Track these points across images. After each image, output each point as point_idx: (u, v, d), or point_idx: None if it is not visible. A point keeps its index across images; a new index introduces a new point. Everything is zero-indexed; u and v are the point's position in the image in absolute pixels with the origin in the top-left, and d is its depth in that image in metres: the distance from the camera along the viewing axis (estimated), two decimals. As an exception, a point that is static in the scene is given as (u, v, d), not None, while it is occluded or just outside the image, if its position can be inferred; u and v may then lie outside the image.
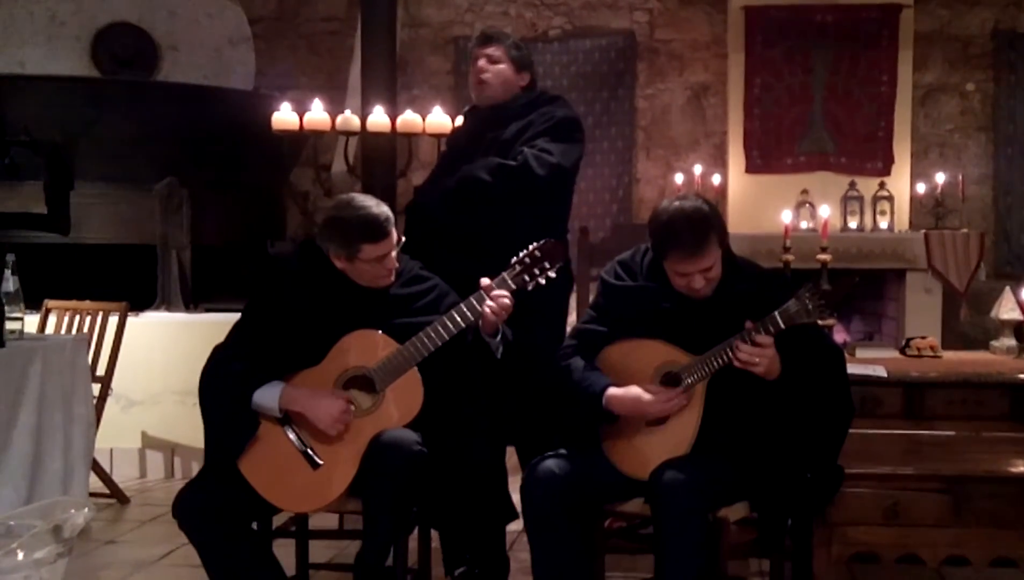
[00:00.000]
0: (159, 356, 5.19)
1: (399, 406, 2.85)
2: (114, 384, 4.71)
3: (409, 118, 5.07)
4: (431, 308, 2.95)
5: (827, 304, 2.64)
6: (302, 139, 5.46)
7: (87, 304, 4.76)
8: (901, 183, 6.92)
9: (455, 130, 4.10)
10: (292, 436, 2.85)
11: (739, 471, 2.75)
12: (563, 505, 2.74)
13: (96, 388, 4.45)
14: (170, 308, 5.68)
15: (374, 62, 5.38)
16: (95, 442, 4.33)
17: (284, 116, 5.11)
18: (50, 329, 4.72)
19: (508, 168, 3.31)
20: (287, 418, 2.85)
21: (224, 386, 2.86)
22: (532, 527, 2.77)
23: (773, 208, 6.17)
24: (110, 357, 4.63)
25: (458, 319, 2.85)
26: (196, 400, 2.92)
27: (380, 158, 5.23)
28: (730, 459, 2.74)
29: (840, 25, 6.91)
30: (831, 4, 6.91)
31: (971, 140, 7.31)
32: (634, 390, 2.75)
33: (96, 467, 4.51)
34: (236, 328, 3.00)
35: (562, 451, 2.82)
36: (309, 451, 2.83)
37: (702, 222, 2.70)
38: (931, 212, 6.81)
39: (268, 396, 2.83)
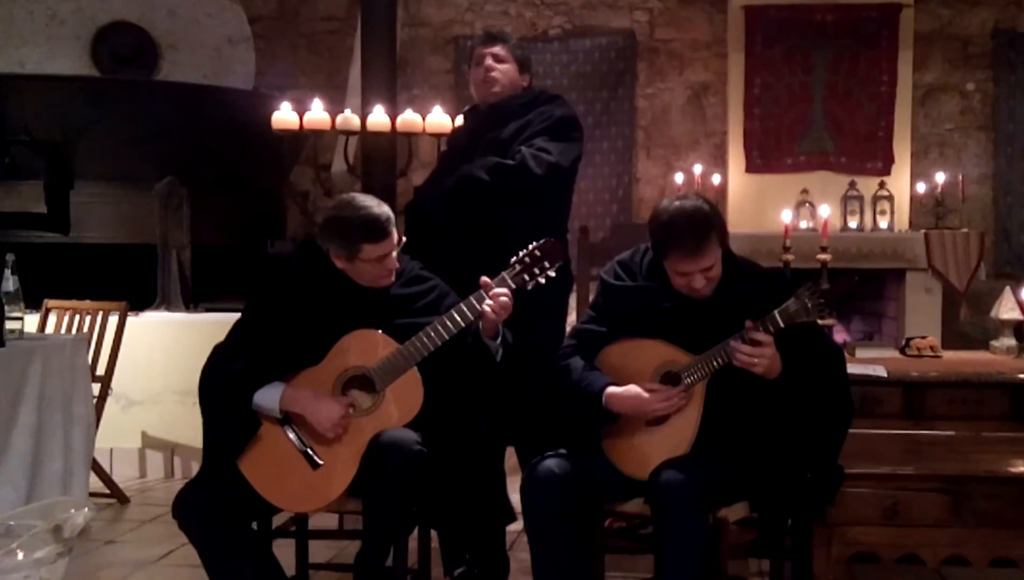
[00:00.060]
0: (159, 356, 5.19)
1: (399, 406, 2.85)
2: (114, 384, 4.71)
3: (409, 118, 5.06)
4: (431, 308, 2.95)
5: (827, 303, 2.64)
6: (302, 139, 5.45)
7: (87, 304, 4.75)
8: (901, 183, 6.92)
9: (455, 130, 4.09)
10: (292, 436, 2.84)
11: (739, 471, 2.75)
12: (563, 505, 2.74)
13: (96, 388, 4.44)
14: (170, 308, 5.68)
15: (374, 62, 5.38)
16: (95, 442, 4.32)
17: (284, 116, 5.10)
18: (50, 329, 4.72)
19: (506, 167, 3.30)
20: (287, 418, 2.85)
21: (224, 385, 2.86)
22: (532, 527, 2.77)
23: (773, 208, 6.18)
24: (110, 357, 4.62)
25: (458, 318, 2.85)
26: (196, 400, 2.92)
27: (380, 158, 5.23)
28: (730, 459, 2.74)
29: (840, 25, 6.91)
30: (831, 4, 6.90)
31: (971, 140, 7.31)
32: (634, 388, 2.75)
33: (96, 467, 4.51)
34: (236, 327, 3.00)
35: (562, 451, 2.81)
36: (309, 451, 2.83)
37: (702, 222, 2.70)
38: (931, 212, 6.81)
39: (269, 397, 2.83)
